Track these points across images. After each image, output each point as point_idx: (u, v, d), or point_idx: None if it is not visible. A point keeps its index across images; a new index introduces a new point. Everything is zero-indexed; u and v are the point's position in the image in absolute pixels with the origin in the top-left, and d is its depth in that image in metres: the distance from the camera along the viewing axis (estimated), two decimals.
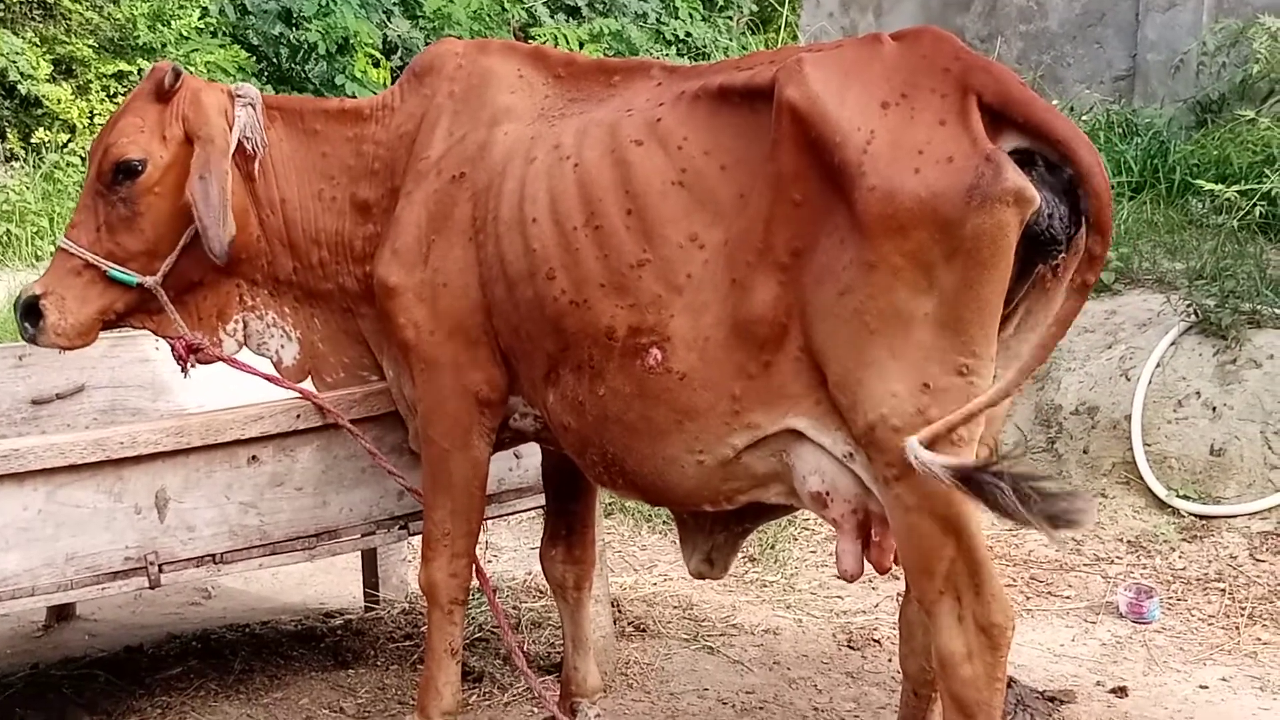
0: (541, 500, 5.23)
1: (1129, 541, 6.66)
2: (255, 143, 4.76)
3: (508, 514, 5.51)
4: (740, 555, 6.72)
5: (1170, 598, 6.21)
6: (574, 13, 18.46)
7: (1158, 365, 7.02)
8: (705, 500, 4.04)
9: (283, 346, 4.97)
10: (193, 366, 4.90)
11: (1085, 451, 7.11)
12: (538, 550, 5.17)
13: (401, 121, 4.74)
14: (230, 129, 4.71)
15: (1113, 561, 6.57)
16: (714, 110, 3.90)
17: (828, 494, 3.77)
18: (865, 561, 3.84)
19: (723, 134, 3.86)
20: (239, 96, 4.79)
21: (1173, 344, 7.09)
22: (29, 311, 4.75)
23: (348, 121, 4.85)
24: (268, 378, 4.92)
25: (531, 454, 5.16)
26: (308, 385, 4.93)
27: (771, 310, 3.68)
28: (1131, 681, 5.49)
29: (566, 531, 5.04)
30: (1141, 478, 6.82)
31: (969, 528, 3.56)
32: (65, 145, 14.46)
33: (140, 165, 4.66)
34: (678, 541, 4.54)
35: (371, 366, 4.94)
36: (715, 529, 4.32)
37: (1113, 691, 5.40)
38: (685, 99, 3.99)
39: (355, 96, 13.11)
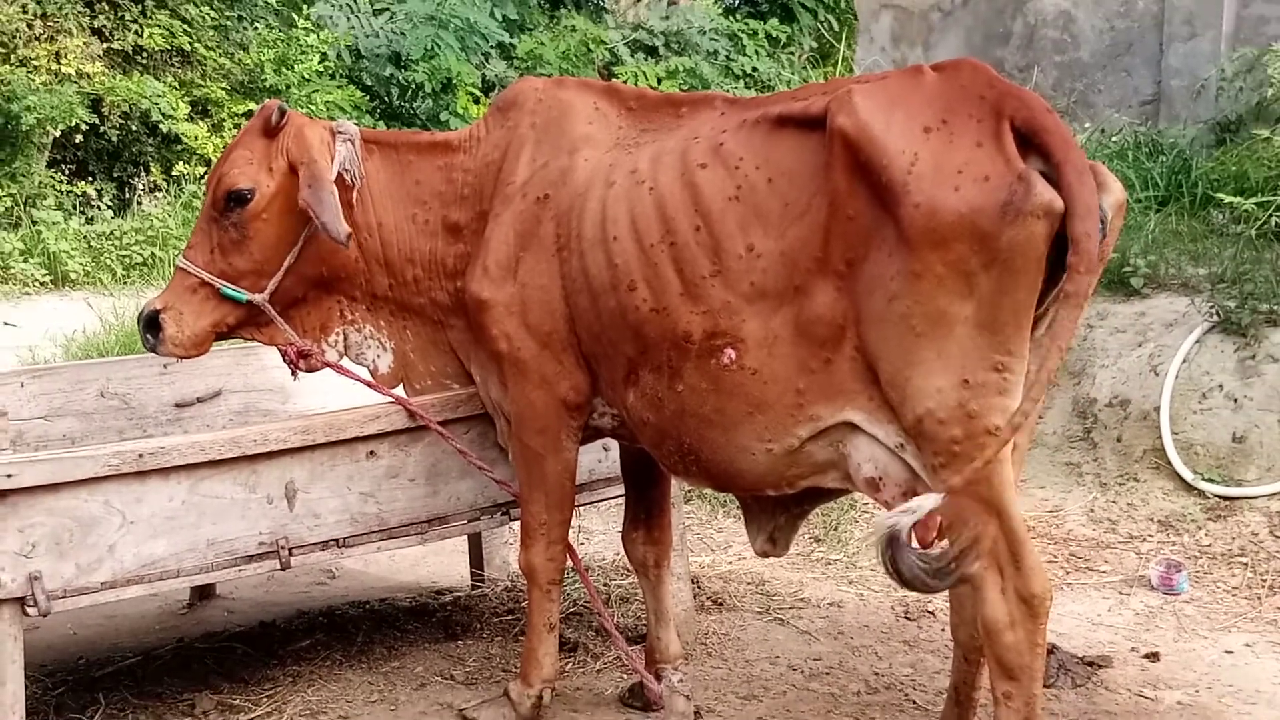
0: None
1: (1159, 521, 6.61)
2: (354, 174, 4.79)
3: (598, 501, 5.51)
4: (807, 536, 6.77)
5: (1197, 571, 6.16)
6: (652, 52, 18.47)
7: (1184, 361, 6.97)
8: (770, 485, 4.06)
9: (379, 356, 5.00)
10: (302, 371, 4.97)
11: (1119, 440, 7.07)
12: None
13: (488, 151, 4.76)
14: (331, 161, 4.76)
15: (1145, 539, 6.53)
16: (771, 135, 3.92)
17: (880, 479, 3.78)
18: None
19: (778, 156, 3.88)
20: (339, 133, 4.83)
21: (1197, 342, 7.03)
22: (150, 324, 4.81)
23: (438, 152, 4.87)
24: (367, 383, 4.95)
25: (619, 446, 5.16)
26: (400, 391, 4.97)
27: (830, 312, 3.70)
28: (1163, 647, 5.45)
29: (646, 516, 5.02)
30: (1170, 463, 6.77)
31: (1009, 509, 3.57)
32: (202, 177, 14.60)
33: (249, 194, 4.70)
34: (743, 523, 4.55)
35: (455, 375, 4.95)
36: (777, 511, 4.32)
37: (1146, 657, 5.37)
38: (746, 126, 4.02)
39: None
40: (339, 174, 4.74)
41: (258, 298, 4.78)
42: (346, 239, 4.60)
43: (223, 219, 4.76)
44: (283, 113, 4.76)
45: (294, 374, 5.00)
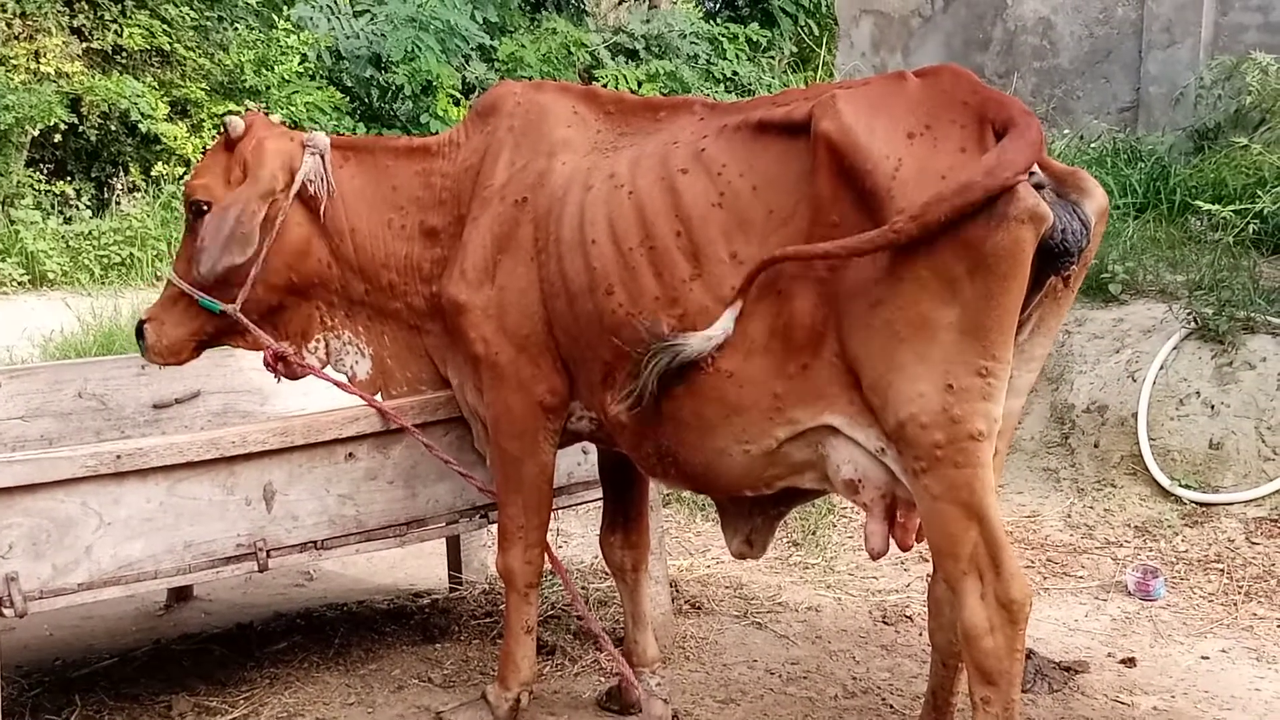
0: None
1: (1136, 527, 6.63)
2: (319, 186, 4.82)
3: (577, 504, 5.50)
4: (785, 541, 6.77)
5: (1174, 577, 6.18)
6: (633, 55, 18.46)
7: (1161, 367, 6.99)
8: (748, 486, 4.06)
9: (357, 362, 5.01)
10: (284, 377, 5.00)
11: (1096, 446, 7.08)
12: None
13: (466, 156, 4.76)
14: (288, 173, 4.79)
15: (1121, 545, 6.54)
16: (753, 141, 3.91)
17: (859, 481, 3.78)
18: (891, 540, 3.86)
19: (760, 162, 3.87)
20: (308, 145, 4.85)
21: (1175, 348, 7.06)
22: (139, 333, 5.01)
23: (416, 157, 4.88)
24: (343, 387, 4.97)
25: (597, 450, 5.15)
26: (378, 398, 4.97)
27: (809, 318, 3.69)
28: (1139, 653, 5.47)
29: (623, 519, 5.03)
30: (1147, 469, 6.79)
31: (989, 514, 3.56)
32: (181, 178, 14.54)
33: (206, 206, 4.80)
34: (720, 526, 4.54)
35: (431, 381, 4.95)
36: (754, 513, 4.32)
37: (1122, 662, 5.38)
38: (727, 131, 4.01)
39: (437, 133, 13.14)
40: (303, 184, 4.79)
41: (229, 308, 4.84)
42: (205, 278, 4.74)
43: (192, 231, 4.86)
44: (241, 125, 4.82)
45: (276, 378, 5.05)
